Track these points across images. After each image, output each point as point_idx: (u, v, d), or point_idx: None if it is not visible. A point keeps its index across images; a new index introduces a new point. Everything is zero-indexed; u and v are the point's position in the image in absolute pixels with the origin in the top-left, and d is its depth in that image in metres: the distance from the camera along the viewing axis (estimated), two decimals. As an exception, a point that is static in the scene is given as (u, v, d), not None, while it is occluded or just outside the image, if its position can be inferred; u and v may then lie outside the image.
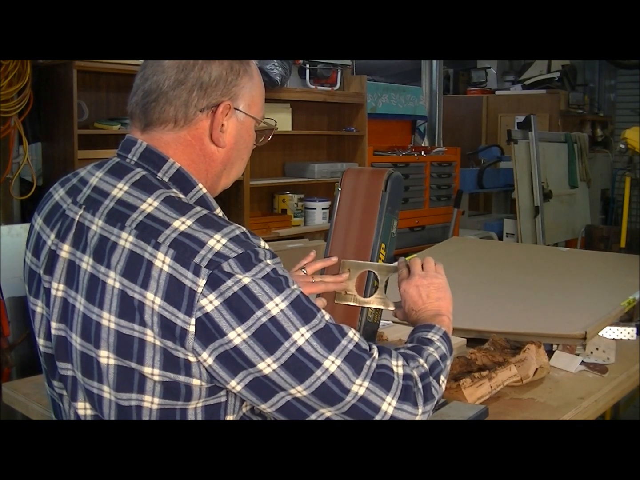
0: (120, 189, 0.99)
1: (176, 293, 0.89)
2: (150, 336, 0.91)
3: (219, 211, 1.04)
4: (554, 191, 5.32)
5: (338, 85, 4.31)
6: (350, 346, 0.95)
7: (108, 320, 0.93)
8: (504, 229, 5.34)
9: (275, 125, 1.18)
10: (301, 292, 0.95)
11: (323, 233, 4.15)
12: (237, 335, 0.89)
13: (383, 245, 1.24)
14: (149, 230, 0.93)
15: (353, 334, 0.98)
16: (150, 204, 0.96)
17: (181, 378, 0.92)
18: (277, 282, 0.92)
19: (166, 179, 1.01)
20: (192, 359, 0.91)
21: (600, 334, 1.87)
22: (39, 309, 1.05)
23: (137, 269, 0.91)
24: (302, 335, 0.92)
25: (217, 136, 1.04)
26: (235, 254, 0.91)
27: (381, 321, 1.33)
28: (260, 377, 0.91)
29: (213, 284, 0.89)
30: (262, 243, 0.96)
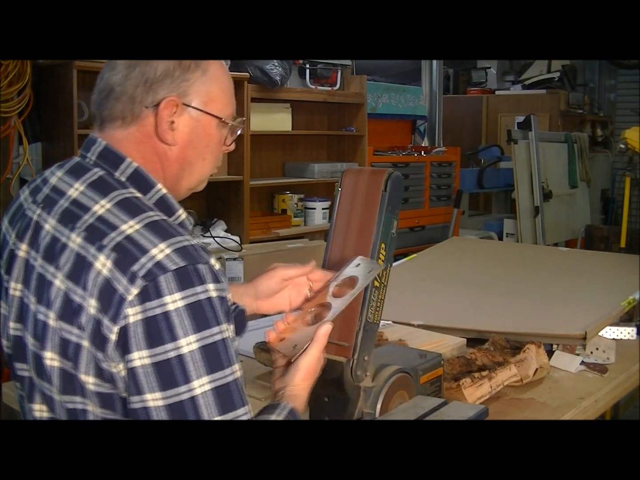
0: (76, 189, 0.97)
1: (108, 298, 0.87)
2: (85, 341, 0.89)
3: (181, 212, 1.02)
4: (554, 191, 5.31)
5: (338, 85, 4.31)
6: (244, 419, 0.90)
7: (54, 320, 0.92)
8: (504, 229, 5.34)
9: (243, 123, 1.12)
10: (223, 337, 0.89)
11: (323, 233, 4.15)
12: (139, 358, 0.86)
13: (383, 245, 1.24)
14: (96, 232, 0.91)
15: (249, 410, 0.92)
16: (102, 206, 0.94)
17: (113, 390, 0.90)
18: (202, 317, 0.88)
19: (123, 179, 0.99)
20: (113, 369, 0.89)
21: (600, 334, 1.87)
22: (2, 310, 1.04)
23: (80, 271, 0.90)
24: (201, 385, 0.87)
25: (162, 133, 1.00)
26: (176, 267, 0.87)
27: (381, 321, 1.33)
28: (142, 407, 0.87)
29: (143, 297, 0.86)
30: (212, 261, 0.92)
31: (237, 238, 3.55)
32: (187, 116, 1.02)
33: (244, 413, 0.91)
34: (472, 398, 1.46)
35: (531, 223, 5.12)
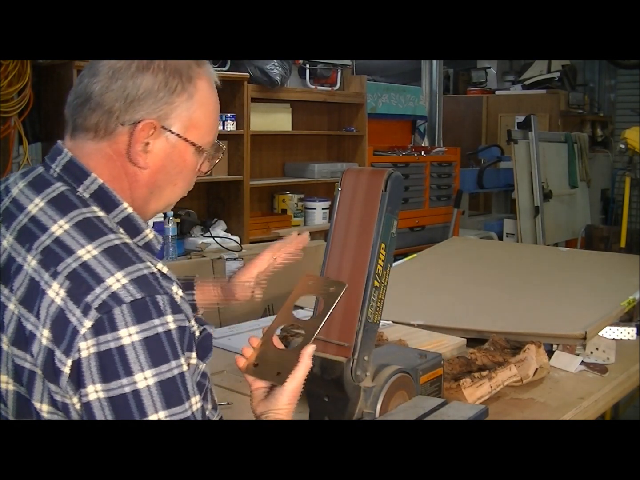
0: (36, 205, 0.93)
1: (61, 329, 0.84)
2: (39, 369, 0.86)
3: (147, 232, 0.98)
4: (554, 191, 5.32)
5: (338, 85, 4.31)
6: None
7: (6, 345, 0.89)
8: (504, 229, 5.34)
9: (222, 151, 1.06)
10: (181, 371, 0.87)
11: (323, 233, 4.15)
12: (94, 392, 0.83)
13: (383, 245, 1.24)
14: (52, 256, 0.87)
15: None
16: (61, 226, 0.89)
17: (67, 418, 0.87)
18: (159, 351, 0.85)
19: (86, 196, 0.94)
20: (67, 400, 0.86)
21: (600, 334, 1.87)
22: None
23: (34, 297, 0.86)
24: (158, 420, 0.85)
25: (134, 155, 0.95)
26: (132, 299, 0.84)
27: (381, 321, 1.32)
28: None
29: (97, 330, 0.83)
30: (175, 288, 0.89)
31: (237, 238, 3.55)
32: (164, 139, 0.97)
33: None
34: (472, 398, 1.46)
35: (531, 223, 5.13)
